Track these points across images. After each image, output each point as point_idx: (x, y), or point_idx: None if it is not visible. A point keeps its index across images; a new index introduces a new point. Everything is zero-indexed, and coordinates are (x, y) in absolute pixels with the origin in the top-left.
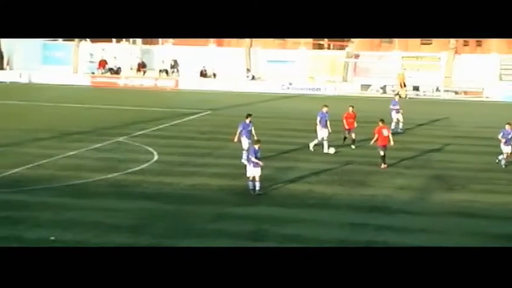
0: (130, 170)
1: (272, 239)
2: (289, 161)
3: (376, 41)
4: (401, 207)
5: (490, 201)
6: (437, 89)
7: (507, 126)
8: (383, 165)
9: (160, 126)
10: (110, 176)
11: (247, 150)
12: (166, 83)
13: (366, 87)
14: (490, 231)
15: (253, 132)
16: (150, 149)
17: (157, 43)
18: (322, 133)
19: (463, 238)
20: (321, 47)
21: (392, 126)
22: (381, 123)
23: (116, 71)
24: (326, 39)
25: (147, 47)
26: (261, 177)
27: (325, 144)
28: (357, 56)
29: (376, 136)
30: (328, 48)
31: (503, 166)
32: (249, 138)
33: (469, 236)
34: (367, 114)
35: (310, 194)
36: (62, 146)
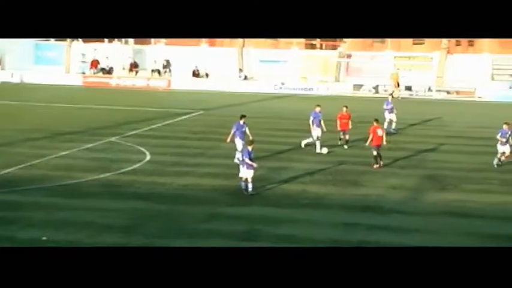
0: (122, 170)
1: (265, 239)
2: (282, 161)
3: (369, 40)
4: (394, 207)
5: (483, 201)
6: (430, 89)
7: (505, 126)
8: (375, 165)
9: (153, 126)
10: (102, 176)
11: (241, 151)
12: (158, 83)
13: (358, 87)
14: (483, 231)
15: (247, 133)
16: (142, 149)
17: (149, 43)
18: (316, 133)
19: (456, 238)
20: (313, 47)
21: (385, 126)
22: (375, 123)
23: (108, 71)
24: (318, 39)
25: (140, 46)
26: (253, 178)
27: (318, 144)
28: (349, 56)
29: (371, 136)
30: (321, 48)
31: (495, 166)
32: (242, 139)
33: (462, 236)
34: (360, 114)
35: (304, 194)
36: (54, 146)
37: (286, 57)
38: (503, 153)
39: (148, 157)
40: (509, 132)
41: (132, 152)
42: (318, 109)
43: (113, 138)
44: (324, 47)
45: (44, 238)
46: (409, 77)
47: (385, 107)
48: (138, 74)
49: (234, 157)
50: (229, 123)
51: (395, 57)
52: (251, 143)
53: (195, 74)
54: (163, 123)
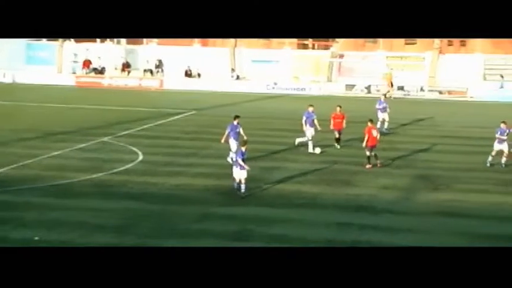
0: (115, 170)
1: (258, 239)
2: (275, 161)
3: (361, 41)
4: (386, 206)
5: (475, 201)
6: (422, 89)
7: (502, 125)
8: (368, 166)
9: (145, 126)
10: (94, 176)
11: (235, 152)
12: (150, 82)
13: (350, 87)
14: (475, 231)
15: (242, 133)
16: (134, 149)
17: (141, 43)
18: (309, 132)
19: (448, 238)
20: (305, 47)
21: (378, 125)
22: (369, 124)
23: (100, 71)
24: (310, 39)
25: (132, 46)
26: (246, 179)
27: (310, 144)
28: (341, 56)
29: (366, 137)
30: (313, 48)
31: (488, 164)
32: (237, 140)
33: (454, 236)
34: (352, 114)
35: (297, 194)
36: (47, 146)
37: (278, 57)
38: (502, 152)
39: (140, 157)
40: (507, 131)
41: (125, 152)
42: (310, 109)
43: (105, 138)
44: (316, 47)
45: (37, 238)
46: (401, 77)
47: (377, 106)
48: (130, 74)
49: (228, 156)
50: (221, 123)
51: (387, 57)
52: (244, 143)
53: (188, 74)
54: (156, 123)
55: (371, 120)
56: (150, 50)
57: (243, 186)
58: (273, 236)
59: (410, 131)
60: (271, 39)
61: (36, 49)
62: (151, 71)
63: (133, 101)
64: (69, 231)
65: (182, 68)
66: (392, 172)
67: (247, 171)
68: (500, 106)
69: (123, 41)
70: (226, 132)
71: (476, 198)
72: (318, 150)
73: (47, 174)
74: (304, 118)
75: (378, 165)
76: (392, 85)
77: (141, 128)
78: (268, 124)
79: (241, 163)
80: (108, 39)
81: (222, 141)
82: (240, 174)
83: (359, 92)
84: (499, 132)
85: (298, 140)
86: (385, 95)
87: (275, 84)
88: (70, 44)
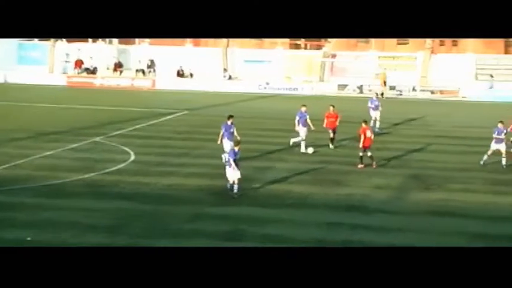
0: (107, 170)
1: (250, 239)
2: (268, 160)
3: (353, 41)
4: (378, 206)
5: (467, 201)
6: (414, 89)
7: (499, 125)
8: (360, 165)
9: (137, 126)
10: (86, 176)
11: (229, 152)
12: (143, 82)
13: (342, 87)
14: (467, 231)
15: (235, 133)
16: (126, 149)
17: (133, 43)
18: (302, 132)
19: (440, 237)
20: (297, 46)
21: (371, 124)
22: (364, 125)
23: (92, 71)
24: (303, 39)
25: (124, 46)
26: (239, 179)
27: (303, 144)
28: (333, 56)
29: (362, 137)
30: (305, 48)
31: (482, 163)
32: (230, 140)
33: (446, 236)
34: (344, 114)
35: (289, 194)
36: (39, 146)
37: (270, 57)
38: (498, 152)
39: (132, 157)
40: (505, 131)
41: (117, 152)
42: (303, 109)
43: (97, 138)
44: (308, 47)
45: (29, 238)
46: (393, 76)
47: (369, 105)
48: (122, 74)
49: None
50: (214, 123)
51: (379, 57)
52: (238, 143)
53: (180, 74)
54: (148, 123)
55: (365, 121)
56: (142, 50)
57: (235, 187)
58: (265, 236)
59: (402, 130)
60: (263, 39)
61: (28, 49)
62: (143, 71)
63: (125, 101)
64: (61, 231)
65: (174, 68)
66: (385, 172)
67: (240, 171)
68: (492, 106)
69: (115, 41)
70: (222, 132)
71: (468, 198)
72: (310, 150)
73: (39, 174)
74: (297, 118)
75: (374, 166)
76: (385, 84)
77: (133, 128)
78: (260, 124)
79: (232, 163)
80: (100, 39)
81: (219, 142)
82: (233, 174)
83: (351, 91)
84: (496, 132)
85: (292, 140)
86: (382, 94)
87: (267, 84)
88: (62, 44)
